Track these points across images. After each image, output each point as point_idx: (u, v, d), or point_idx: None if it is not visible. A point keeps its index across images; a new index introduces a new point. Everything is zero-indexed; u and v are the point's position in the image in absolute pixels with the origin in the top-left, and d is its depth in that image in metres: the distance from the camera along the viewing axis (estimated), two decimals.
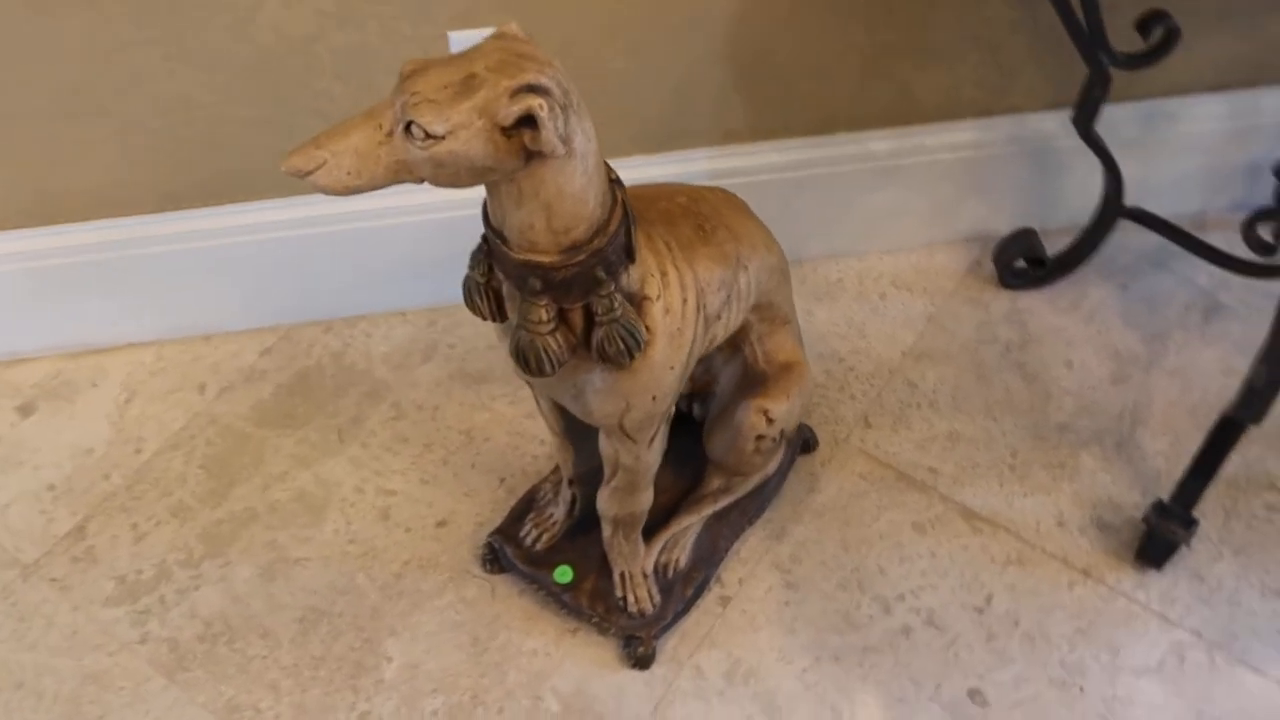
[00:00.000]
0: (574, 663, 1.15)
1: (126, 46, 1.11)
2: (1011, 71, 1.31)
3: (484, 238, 0.83)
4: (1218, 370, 1.36)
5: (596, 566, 1.16)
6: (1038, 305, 1.43)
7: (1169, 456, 1.29)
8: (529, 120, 0.70)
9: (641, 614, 1.13)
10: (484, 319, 0.87)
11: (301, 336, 1.40)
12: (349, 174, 0.71)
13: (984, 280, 1.45)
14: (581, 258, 0.79)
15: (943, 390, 1.35)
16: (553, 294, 0.80)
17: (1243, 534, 1.23)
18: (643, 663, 1.14)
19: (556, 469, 1.20)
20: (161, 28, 1.10)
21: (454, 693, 1.13)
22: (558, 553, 1.17)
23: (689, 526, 1.16)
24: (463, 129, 0.70)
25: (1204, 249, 1.30)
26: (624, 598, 1.13)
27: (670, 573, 1.16)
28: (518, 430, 1.32)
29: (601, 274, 0.80)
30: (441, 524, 1.25)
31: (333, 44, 1.14)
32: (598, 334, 0.82)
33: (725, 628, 1.17)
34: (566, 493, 1.15)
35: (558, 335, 0.82)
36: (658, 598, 1.14)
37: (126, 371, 1.37)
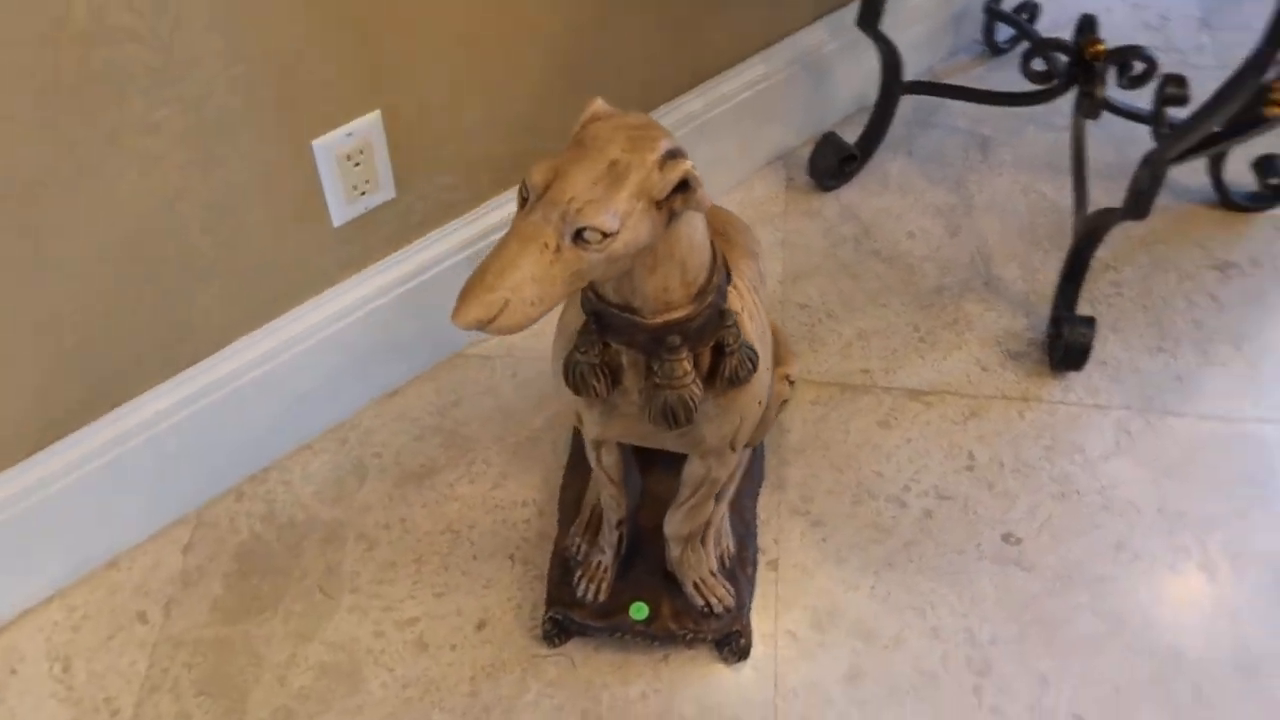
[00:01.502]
0: (684, 686, 1.16)
1: None
2: (780, 5, 1.40)
3: (593, 318, 0.80)
4: (1017, 191, 1.56)
5: (663, 589, 1.16)
6: (856, 197, 1.56)
7: (1026, 278, 1.48)
8: (682, 186, 0.69)
9: (727, 610, 1.15)
10: (597, 397, 0.84)
11: (216, 516, 1.26)
12: (532, 305, 0.67)
13: (803, 192, 1.56)
14: (710, 299, 0.79)
15: (830, 300, 1.45)
16: (690, 344, 0.80)
17: (1108, 314, 1.44)
18: (745, 653, 1.17)
19: (575, 522, 1.19)
20: (13, 247, 0.94)
21: None
22: (618, 596, 1.16)
23: (724, 514, 1.19)
24: (630, 216, 0.68)
25: (980, 95, 1.47)
26: (706, 603, 1.15)
27: (728, 561, 1.18)
28: (494, 504, 1.28)
29: (724, 308, 0.80)
30: (481, 626, 1.19)
31: (197, 195, 1.02)
32: (729, 363, 0.83)
33: (788, 586, 1.22)
34: (613, 536, 1.14)
35: (699, 381, 0.82)
36: (731, 589, 1.16)
37: (44, 639, 1.17)
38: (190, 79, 0.94)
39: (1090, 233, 1.30)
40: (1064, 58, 1.37)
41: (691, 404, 0.82)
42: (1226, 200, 1.53)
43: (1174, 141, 1.06)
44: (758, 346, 0.88)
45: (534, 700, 1.15)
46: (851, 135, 1.55)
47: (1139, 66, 1.32)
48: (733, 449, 0.95)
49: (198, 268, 1.07)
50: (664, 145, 0.70)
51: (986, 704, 1.15)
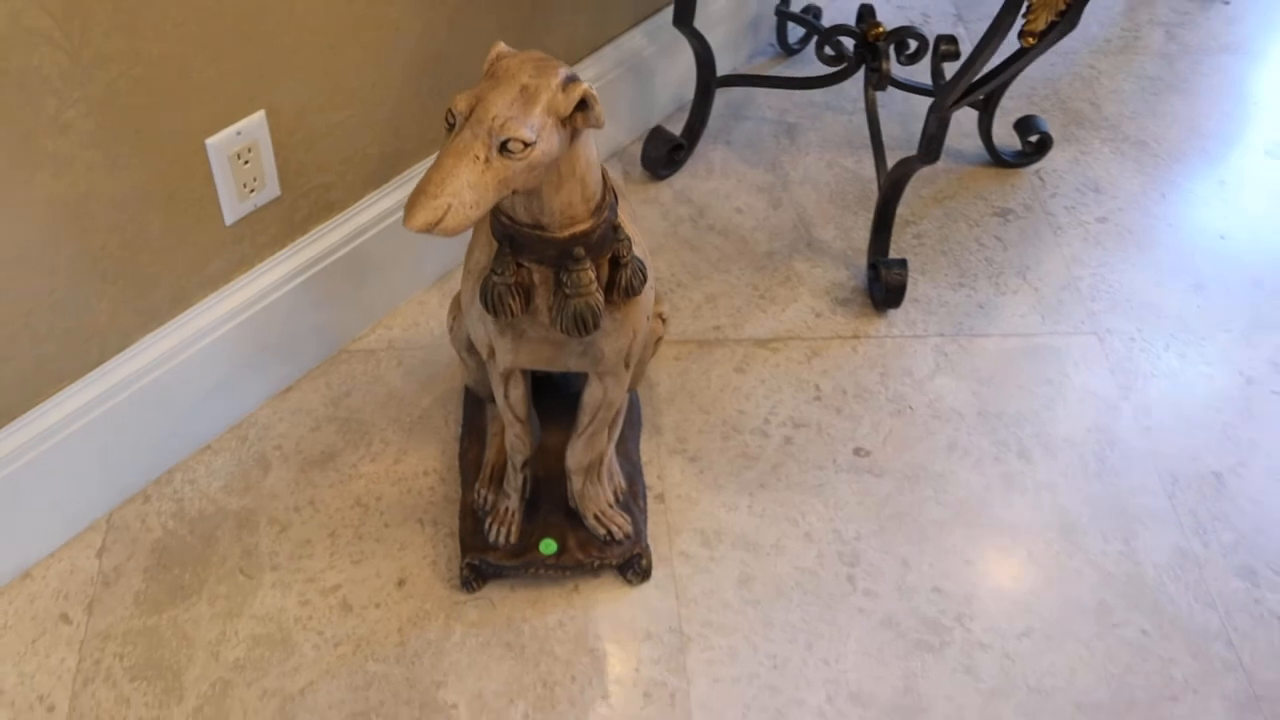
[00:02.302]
0: (596, 609, 1.27)
1: None
2: (605, 6, 1.56)
3: (507, 241, 0.92)
4: (823, 166, 1.77)
5: (567, 525, 1.28)
6: (687, 182, 1.73)
7: (841, 237, 1.67)
8: (581, 104, 0.83)
9: (626, 536, 1.28)
10: (513, 316, 0.96)
11: (126, 519, 1.30)
12: (471, 208, 0.79)
13: (640, 183, 1.72)
14: (605, 214, 0.93)
15: (677, 271, 1.61)
16: (591, 254, 0.93)
17: (915, 260, 1.65)
18: (647, 573, 1.29)
19: (478, 478, 1.30)
20: None
21: (528, 694, 1.20)
22: (526, 537, 1.27)
23: (612, 455, 1.32)
24: (543, 130, 0.81)
25: (785, 82, 1.67)
26: (608, 532, 1.27)
27: (621, 496, 1.31)
28: (397, 478, 1.36)
29: (616, 223, 0.94)
30: (401, 583, 1.28)
31: (104, 195, 1.09)
32: (624, 274, 0.97)
33: (676, 515, 1.36)
34: (518, 479, 1.25)
35: (600, 290, 0.95)
36: (627, 518, 1.29)
37: None
38: (97, 79, 1.02)
39: (894, 184, 1.51)
40: (851, 41, 1.58)
41: (597, 310, 0.95)
42: (997, 159, 1.78)
43: (953, 86, 1.27)
44: (646, 261, 1.02)
45: (460, 641, 1.24)
46: (676, 129, 1.73)
47: (913, 44, 1.55)
48: (626, 367, 1.08)
49: (102, 268, 1.14)
50: (563, 72, 0.84)
51: (860, 589, 1.31)
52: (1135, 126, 1.92)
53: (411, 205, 0.78)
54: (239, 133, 1.17)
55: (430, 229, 0.78)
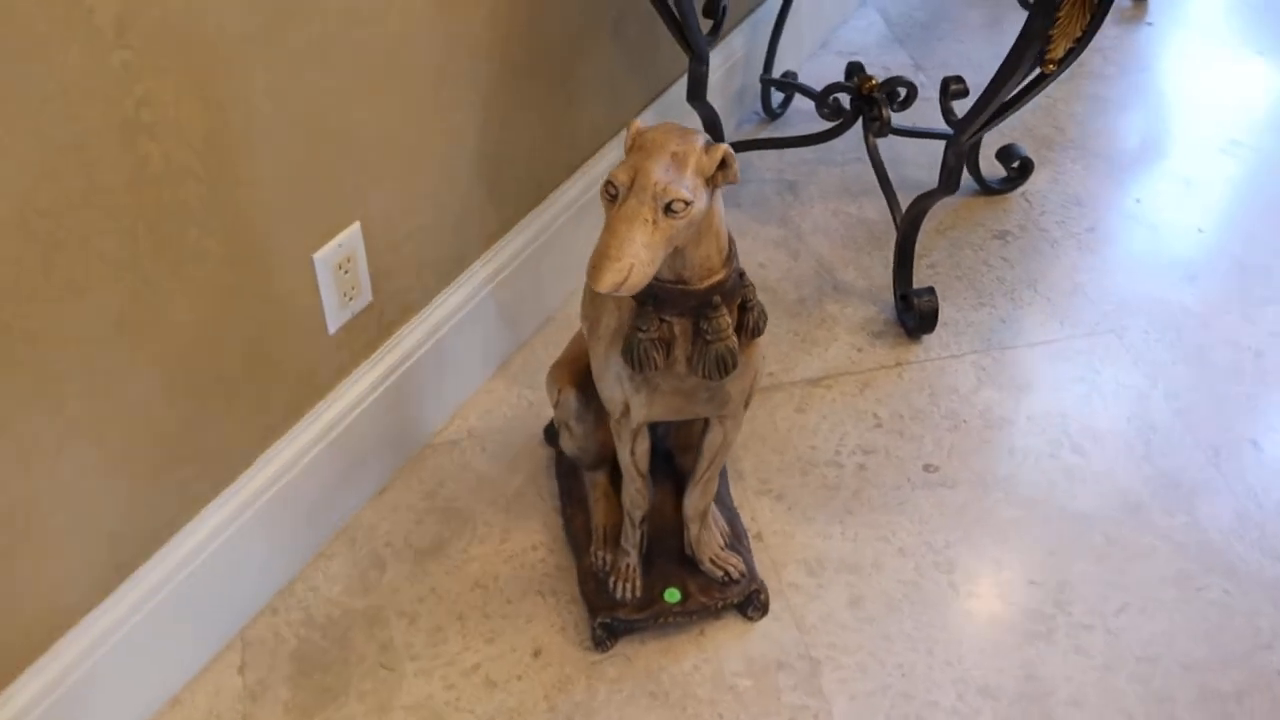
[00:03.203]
0: (725, 649, 1.33)
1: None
2: (620, 93, 1.67)
3: (650, 298, 1.01)
4: (830, 215, 1.89)
5: (684, 573, 1.34)
6: None
7: (863, 276, 1.79)
8: (721, 164, 0.93)
9: (742, 575, 1.35)
10: (656, 369, 1.04)
11: (259, 634, 1.33)
12: (648, 265, 0.88)
13: None
14: (734, 263, 1.02)
15: None
16: (727, 301, 1.02)
17: (934, 287, 1.77)
18: (765, 607, 1.36)
19: (592, 542, 1.36)
20: (98, 384, 1.03)
21: None
22: (649, 590, 1.33)
23: (712, 497, 1.39)
24: (696, 189, 0.90)
25: (789, 141, 1.79)
26: (725, 573, 1.34)
27: (726, 539, 1.38)
28: (507, 555, 1.42)
29: (741, 270, 1.03)
30: (537, 653, 1.33)
31: (232, 318, 1.15)
32: (751, 317, 1.05)
33: (776, 550, 1.43)
34: (636, 535, 1.31)
35: (735, 334, 1.04)
36: (739, 557, 1.36)
37: None
38: (228, 207, 1.09)
39: (913, 220, 1.62)
40: (847, 96, 1.71)
41: (736, 352, 1.03)
42: (986, 188, 1.92)
43: (974, 119, 1.39)
44: None
45: (606, 698, 1.29)
46: None
47: (903, 92, 1.68)
48: (745, 406, 1.17)
49: (229, 388, 1.19)
50: (702, 137, 0.94)
51: (962, 592, 1.39)
52: (1098, 143, 2.08)
53: (597, 269, 0.87)
54: (340, 245, 1.24)
55: (617, 289, 0.87)
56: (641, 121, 0.95)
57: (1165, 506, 1.49)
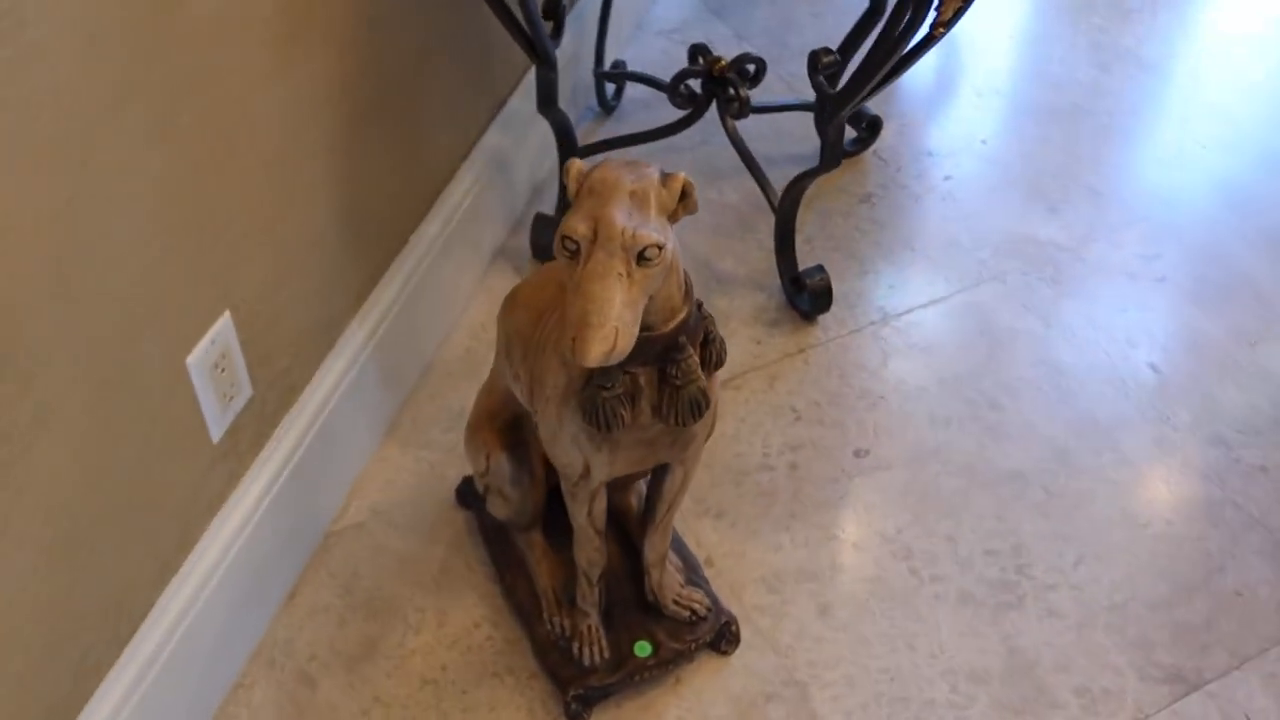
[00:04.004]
0: (706, 693, 1.24)
1: None
2: (460, 113, 1.54)
3: None
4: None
5: (647, 621, 1.25)
6: None
7: (740, 264, 1.72)
8: (682, 195, 0.82)
9: (708, 610, 1.26)
10: (623, 426, 0.93)
11: None
12: (632, 325, 0.77)
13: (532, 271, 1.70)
14: (693, 297, 0.92)
15: None
16: (691, 340, 0.92)
17: (814, 263, 1.71)
18: (737, 638, 1.28)
19: (543, 610, 1.24)
20: None
21: None
22: (615, 649, 1.23)
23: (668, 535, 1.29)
24: (664, 228, 0.80)
25: (646, 135, 1.68)
26: (691, 612, 1.25)
27: (683, 575, 1.29)
28: (450, 641, 1.28)
29: (699, 301, 0.94)
30: None
31: (107, 453, 0.98)
32: (714, 350, 0.96)
33: (730, 573, 1.35)
34: (594, 594, 1.20)
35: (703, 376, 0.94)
36: (704, 597, 1.27)
37: None
38: (79, 331, 0.91)
39: (794, 200, 1.56)
40: (698, 81, 1.63)
41: (708, 392, 0.94)
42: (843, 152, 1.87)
43: (856, 90, 1.33)
44: None
45: None
46: (546, 210, 1.72)
47: (752, 68, 1.61)
48: (704, 442, 1.07)
49: (116, 534, 1.01)
50: (654, 169, 0.83)
51: (925, 577, 1.35)
52: (933, 90, 2.07)
53: (582, 341, 0.75)
54: (213, 341, 1.07)
55: (606, 358, 0.75)
56: (582, 162, 0.84)
57: (1091, 447, 1.49)
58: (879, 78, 1.28)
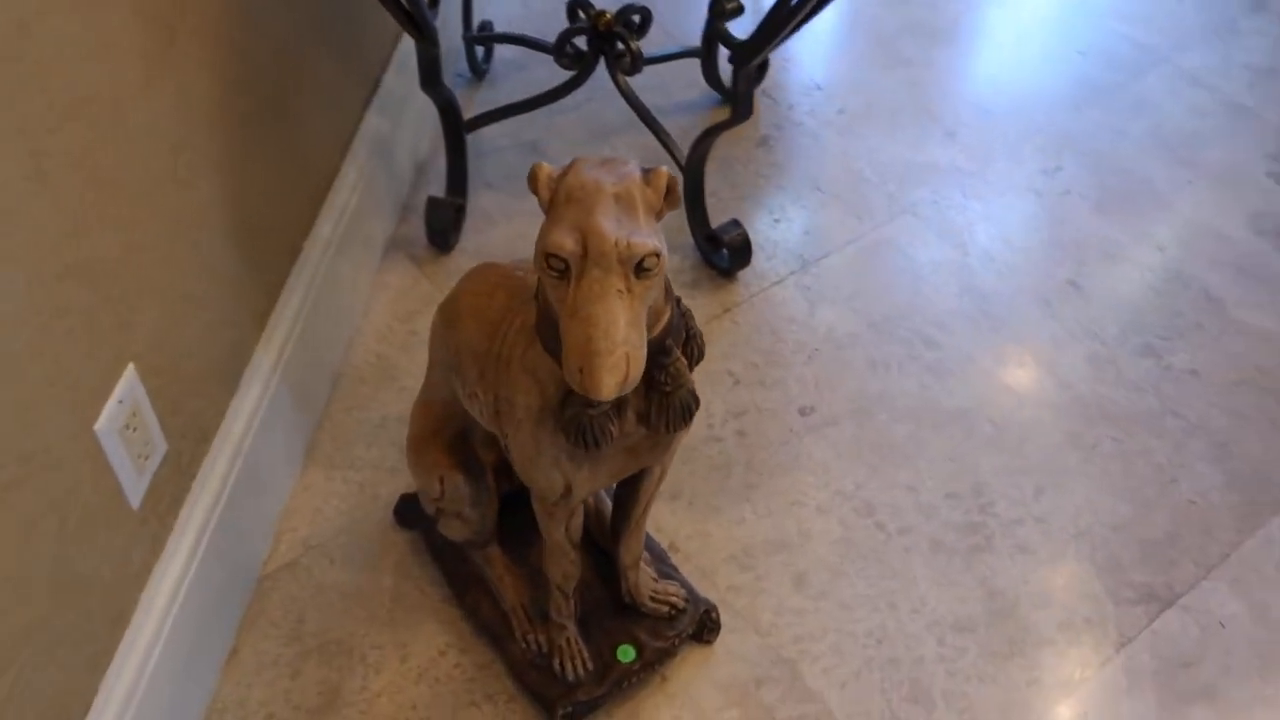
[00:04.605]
0: (695, 687, 1.19)
1: None
2: (334, 98, 1.41)
3: None
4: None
5: (628, 625, 1.18)
6: (478, 240, 1.62)
7: None
8: (666, 192, 0.74)
9: (686, 601, 1.20)
10: (611, 440, 0.85)
11: None
12: (640, 346, 0.69)
13: (433, 260, 1.58)
14: (673, 294, 0.84)
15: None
16: (676, 341, 0.84)
17: (724, 216, 1.65)
18: (719, 624, 1.22)
19: (515, 628, 1.16)
20: None
21: None
22: (597, 657, 1.16)
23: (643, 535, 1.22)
24: (657, 232, 0.71)
25: (537, 101, 1.58)
26: (669, 606, 1.19)
27: (655, 568, 1.23)
28: (417, 674, 1.19)
29: (679, 298, 0.86)
30: None
31: (26, 553, 0.85)
32: (695, 345, 0.88)
33: (700, 555, 1.29)
34: (570, 606, 1.13)
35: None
36: (680, 588, 1.21)
37: None
38: None
39: (701, 155, 1.49)
40: (583, 38, 1.53)
41: (696, 394, 0.86)
42: (728, 96, 1.80)
43: (765, 38, 1.26)
44: None
45: None
46: (435, 192, 1.60)
47: (638, 19, 1.52)
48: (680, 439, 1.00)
49: (43, 638, 0.89)
50: (633, 164, 0.74)
51: (891, 530, 1.32)
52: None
53: (592, 373, 0.67)
54: (120, 401, 0.94)
55: (621, 388, 0.67)
56: (548, 165, 0.74)
57: (1029, 373, 1.48)
58: (796, 21, 1.21)
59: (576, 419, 0.84)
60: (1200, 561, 1.30)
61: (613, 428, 0.84)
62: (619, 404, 0.85)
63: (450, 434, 1.10)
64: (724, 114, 1.76)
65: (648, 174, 0.74)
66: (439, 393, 1.10)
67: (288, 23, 1.24)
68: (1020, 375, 1.47)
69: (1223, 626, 1.25)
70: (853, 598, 1.26)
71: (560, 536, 1.02)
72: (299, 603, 1.24)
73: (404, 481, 1.34)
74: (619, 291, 0.69)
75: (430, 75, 1.41)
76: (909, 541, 1.31)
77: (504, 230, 1.63)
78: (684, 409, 0.86)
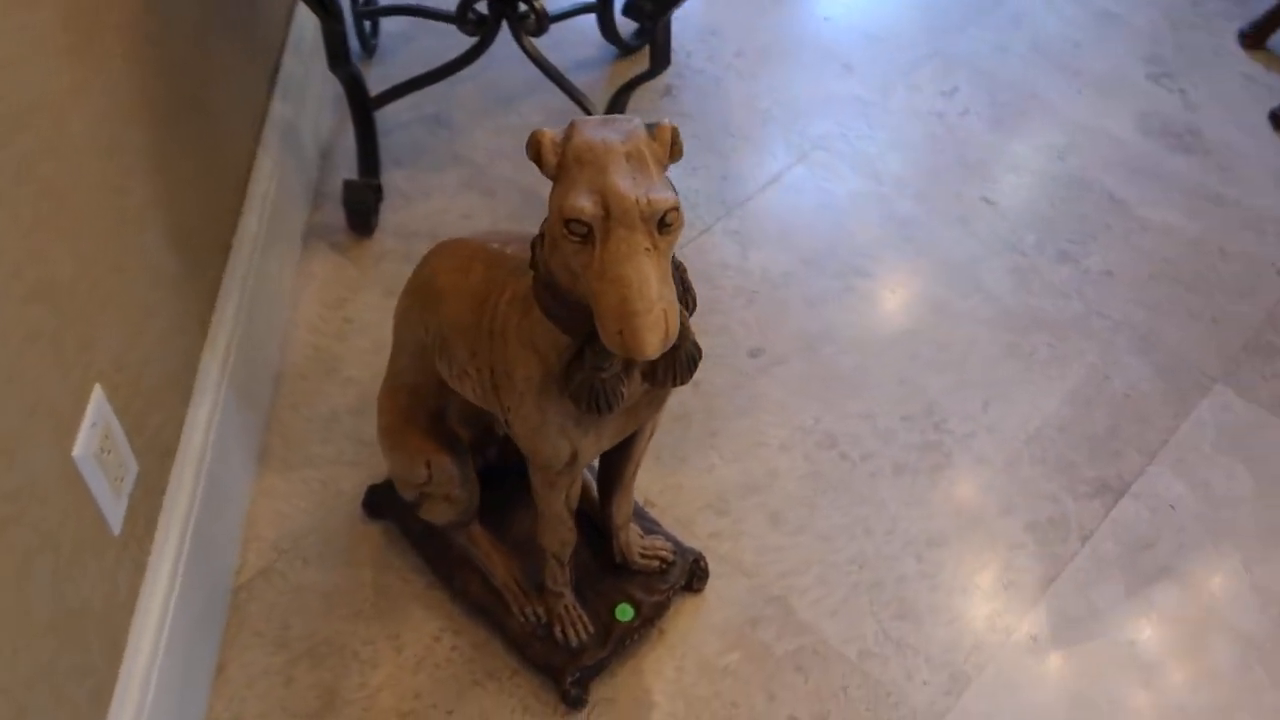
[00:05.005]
0: (692, 637, 1.20)
1: None
2: (244, 84, 1.35)
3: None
4: (497, 136, 1.69)
5: (622, 585, 1.18)
6: (399, 219, 1.58)
7: None
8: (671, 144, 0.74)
9: (673, 553, 1.21)
10: (621, 404, 0.85)
11: None
12: (675, 302, 0.69)
13: (356, 245, 1.54)
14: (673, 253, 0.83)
15: None
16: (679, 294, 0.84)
17: None
18: (707, 570, 1.23)
19: (512, 603, 1.16)
20: None
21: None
22: (596, 620, 1.16)
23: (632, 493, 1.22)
24: (669, 185, 0.71)
25: (444, 70, 1.54)
26: (660, 560, 1.19)
27: (639, 524, 1.23)
28: (415, 663, 1.18)
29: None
30: None
31: (13, 595, 0.80)
32: (689, 299, 0.88)
33: (676, 506, 1.30)
34: (564, 574, 1.12)
35: None
36: (666, 541, 1.22)
37: None
38: None
39: (622, 109, 1.48)
40: (482, 2, 1.50)
41: (698, 344, 0.87)
42: (626, 48, 1.79)
43: None
44: None
45: None
46: (345, 175, 1.56)
47: None
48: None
49: (50, 679, 0.84)
50: (636, 120, 0.73)
51: (854, 458, 1.35)
52: None
53: (634, 334, 0.66)
54: (93, 424, 0.90)
55: (664, 345, 0.67)
56: (549, 130, 0.72)
57: (958, 291, 1.52)
58: None
59: (588, 384, 0.83)
60: (1143, 450, 1.37)
61: (623, 389, 0.84)
62: (627, 363, 0.85)
63: (426, 417, 1.08)
64: (625, 67, 1.76)
65: (651, 129, 0.74)
66: (409, 377, 1.08)
67: (194, 6, 1.18)
68: (950, 294, 1.52)
69: (1172, 508, 1.32)
70: (829, 528, 1.29)
71: (560, 506, 1.02)
72: (279, 609, 1.21)
73: (367, 474, 1.31)
74: (646, 250, 0.69)
75: (337, 54, 1.36)
76: (873, 467, 1.34)
77: (423, 207, 1.59)
78: (690, 360, 0.86)
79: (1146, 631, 1.21)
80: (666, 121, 0.74)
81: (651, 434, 1.05)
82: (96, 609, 0.93)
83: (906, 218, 1.61)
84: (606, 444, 0.95)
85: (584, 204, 0.69)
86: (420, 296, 0.98)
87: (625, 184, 0.70)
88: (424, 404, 1.08)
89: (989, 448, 1.36)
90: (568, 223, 0.70)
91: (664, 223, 0.70)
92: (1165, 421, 1.40)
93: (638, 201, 0.69)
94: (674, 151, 0.75)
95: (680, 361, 0.86)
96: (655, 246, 0.70)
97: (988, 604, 1.23)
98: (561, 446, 0.91)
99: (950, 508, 1.31)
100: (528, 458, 0.95)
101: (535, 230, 0.84)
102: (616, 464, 1.07)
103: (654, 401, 0.95)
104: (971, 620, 1.22)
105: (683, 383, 0.87)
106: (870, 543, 1.28)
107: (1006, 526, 1.30)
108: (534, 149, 0.73)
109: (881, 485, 1.33)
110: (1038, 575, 1.25)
